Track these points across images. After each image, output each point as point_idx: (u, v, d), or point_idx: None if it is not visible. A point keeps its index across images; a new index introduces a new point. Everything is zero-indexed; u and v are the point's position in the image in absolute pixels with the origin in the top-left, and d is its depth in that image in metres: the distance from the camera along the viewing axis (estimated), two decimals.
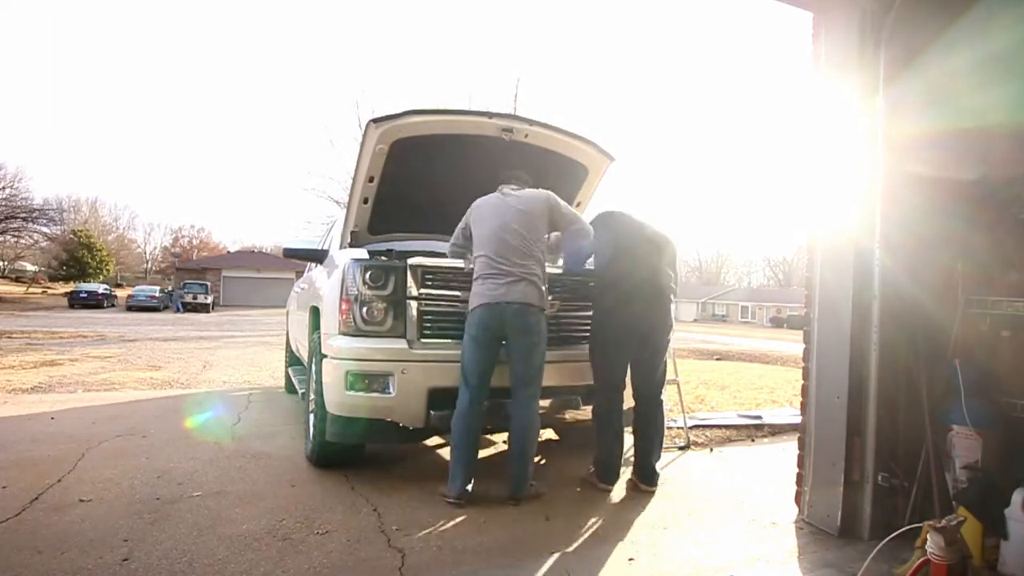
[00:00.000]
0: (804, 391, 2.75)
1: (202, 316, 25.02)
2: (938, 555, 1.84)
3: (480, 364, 2.75)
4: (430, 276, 3.00)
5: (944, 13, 2.55)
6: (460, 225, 3.05)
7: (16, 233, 38.50)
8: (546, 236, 3.01)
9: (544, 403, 3.10)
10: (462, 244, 3.06)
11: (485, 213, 2.94)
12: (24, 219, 36.72)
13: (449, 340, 2.96)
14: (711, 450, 4.05)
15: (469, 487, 2.79)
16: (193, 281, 32.47)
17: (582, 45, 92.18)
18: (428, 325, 2.96)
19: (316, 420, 3.15)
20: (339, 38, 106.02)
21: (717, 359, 11.74)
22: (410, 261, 2.98)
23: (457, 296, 3.01)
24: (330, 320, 3.06)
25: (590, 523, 2.64)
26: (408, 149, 3.30)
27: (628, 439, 3.21)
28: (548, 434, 4.23)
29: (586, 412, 3.19)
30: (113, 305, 30.08)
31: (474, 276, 2.87)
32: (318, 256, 4.04)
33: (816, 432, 2.64)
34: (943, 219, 2.56)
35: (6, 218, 35.78)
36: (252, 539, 2.32)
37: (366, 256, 3.06)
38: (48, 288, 39.76)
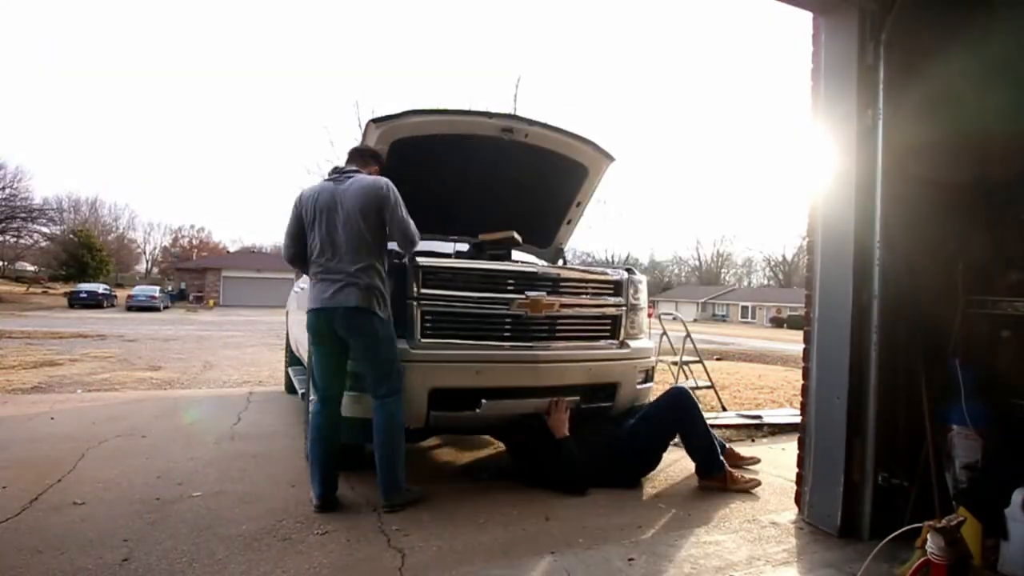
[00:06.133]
0: (804, 391, 2.75)
1: (202, 316, 25.27)
2: (938, 555, 1.84)
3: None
4: (431, 276, 2.99)
5: (943, 15, 2.55)
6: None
7: (16, 233, 38.61)
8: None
9: (543, 403, 3.10)
10: None
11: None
12: (24, 219, 36.81)
13: (450, 340, 2.96)
14: None
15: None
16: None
17: (582, 45, 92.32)
18: (428, 325, 2.95)
19: None
20: (339, 38, 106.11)
21: (717, 359, 11.73)
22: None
23: (458, 296, 3.01)
24: None
25: (590, 523, 2.64)
26: (408, 149, 3.30)
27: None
28: None
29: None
30: (113, 305, 30.11)
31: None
32: None
33: (816, 432, 2.64)
34: (943, 219, 2.56)
35: (6, 218, 35.84)
36: (252, 539, 2.32)
37: None
38: (48, 288, 39.75)
